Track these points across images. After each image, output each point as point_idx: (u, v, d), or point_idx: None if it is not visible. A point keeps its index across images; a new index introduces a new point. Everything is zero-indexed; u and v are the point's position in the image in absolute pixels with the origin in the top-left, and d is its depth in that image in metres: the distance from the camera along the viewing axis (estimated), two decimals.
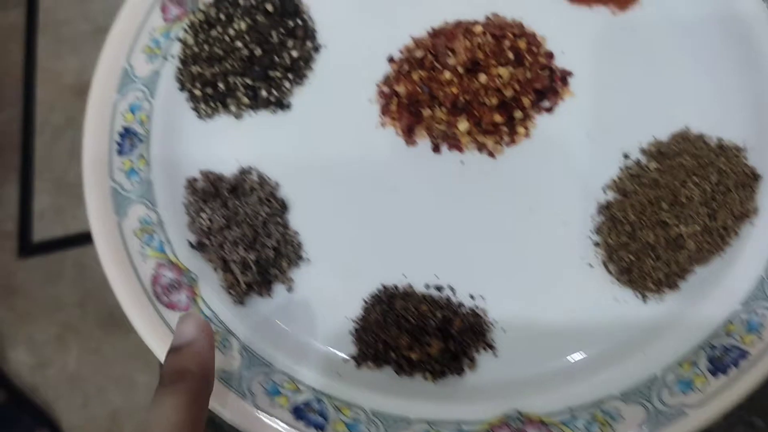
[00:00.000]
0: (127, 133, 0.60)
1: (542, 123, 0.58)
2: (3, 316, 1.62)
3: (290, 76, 0.62)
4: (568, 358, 0.51)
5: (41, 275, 1.66)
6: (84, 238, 1.64)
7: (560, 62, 0.59)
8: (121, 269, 0.55)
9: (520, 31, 0.59)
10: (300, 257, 0.57)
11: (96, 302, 1.60)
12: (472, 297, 0.53)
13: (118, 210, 0.58)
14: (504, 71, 0.56)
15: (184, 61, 0.62)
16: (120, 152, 0.59)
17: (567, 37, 0.60)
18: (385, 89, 0.60)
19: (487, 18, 0.61)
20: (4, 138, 1.79)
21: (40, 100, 1.83)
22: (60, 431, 1.51)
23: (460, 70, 0.56)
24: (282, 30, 0.62)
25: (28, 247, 1.70)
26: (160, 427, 0.40)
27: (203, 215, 0.57)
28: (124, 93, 0.61)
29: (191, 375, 0.44)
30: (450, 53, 0.57)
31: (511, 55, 0.57)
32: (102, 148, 0.59)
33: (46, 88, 1.85)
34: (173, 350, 0.46)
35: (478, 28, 0.58)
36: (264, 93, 0.61)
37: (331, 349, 0.54)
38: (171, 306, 0.55)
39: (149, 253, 0.56)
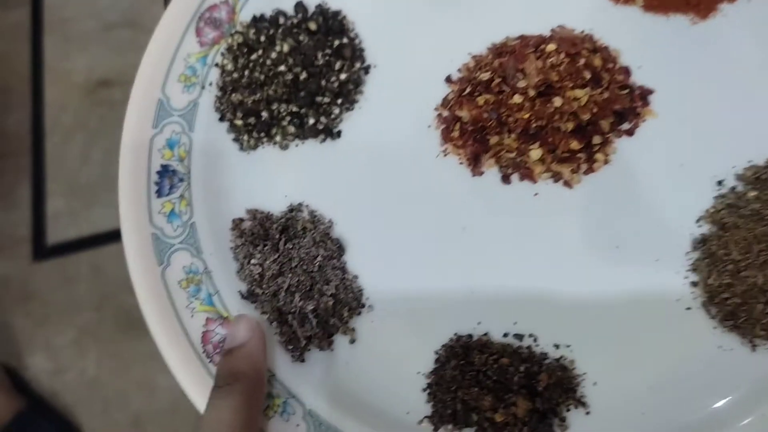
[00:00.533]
0: (166, 172, 0.54)
1: (623, 147, 0.52)
2: (20, 321, 1.60)
3: (339, 101, 0.56)
4: (670, 416, 0.46)
5: (57, 278, 1.63)
6: (99, 239, 1.61)
7: (638, 78, 0.54)
8: (169, 329, 0.50)
9: (592, 45, 0.54)
10: (361, 304, 0.52)
11: (113, 304, 1.57)
12: (556, 346, 0.49)
13: (160, 258, 0.52)
14: (581, 93, 0.50)
15: (223, 89, 0.57)
16: (159, 193, 0.54)
17: (643, 50, 0.54)
18: (445, 113, 0.55)
19: (553, 31, 0.55)
20: (15, 140, 1.75)
21: (50, 100, 1.79)
22: None
23: (532, 93, 0.51)
24: (328, 50, 0.56)
25: (42, 250, 1.67)
26: (215, 428, 0.42)
27: (253, 261, 0.52)
28: (160, 127, 0.55)
29: (244, 376, 0.45)
30: (520, 74, 0.51)
31: (587, 75, 0.51)
32: (140, 189, 0.53)
33: (55, 88, 1.80)
34: (227, 353, 0.47)
35: (551, 47, 0.52)
36: (311, 120, 0.56)
37: (402, 409, 0.49)
38: None
39: (197, 307, 0.51)
